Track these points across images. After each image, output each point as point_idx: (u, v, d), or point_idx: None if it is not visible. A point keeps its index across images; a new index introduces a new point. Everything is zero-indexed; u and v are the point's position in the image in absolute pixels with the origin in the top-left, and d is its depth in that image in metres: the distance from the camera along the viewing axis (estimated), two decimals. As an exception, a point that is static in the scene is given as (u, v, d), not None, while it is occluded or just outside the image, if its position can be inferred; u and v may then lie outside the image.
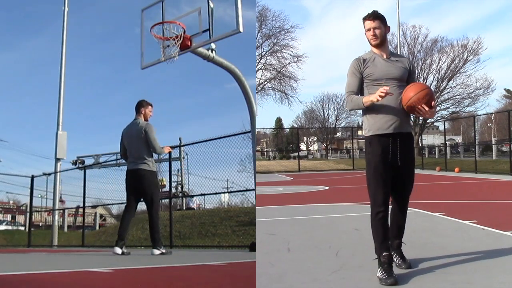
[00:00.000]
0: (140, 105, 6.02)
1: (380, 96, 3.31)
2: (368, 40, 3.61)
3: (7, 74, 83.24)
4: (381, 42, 3.58)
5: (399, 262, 3.68)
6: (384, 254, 3.39)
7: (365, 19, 3.59)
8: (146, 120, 6.01)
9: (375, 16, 3.56)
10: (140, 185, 5.81)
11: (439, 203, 8.47)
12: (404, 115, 3.53)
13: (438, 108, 43.11)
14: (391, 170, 3.48)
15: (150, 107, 6.08)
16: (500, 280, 3.27)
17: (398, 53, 31.62)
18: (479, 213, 6.95)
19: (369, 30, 3.57)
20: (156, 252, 5.69)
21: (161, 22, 8.28)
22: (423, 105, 3.39)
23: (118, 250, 5.64)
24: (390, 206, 3.64)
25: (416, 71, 3.45)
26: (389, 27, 3.63)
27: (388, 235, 3.49)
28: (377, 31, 3.55)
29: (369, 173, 3.51)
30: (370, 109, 3.51)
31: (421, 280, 3.34)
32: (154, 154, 5.99)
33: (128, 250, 5.89)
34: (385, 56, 3.60)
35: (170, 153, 9.71)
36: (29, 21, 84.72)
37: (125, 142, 6.00)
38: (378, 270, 3.37)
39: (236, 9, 7.42)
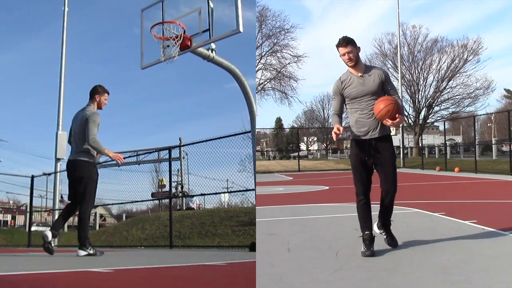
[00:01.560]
0: (95, 91, 5.49)
1: (333, 137, 4.06)
2: (345, 63, 4.20)
3: (7, 75, 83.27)
4: (355, 63, 4.18)
5: (388, 239, 4.35)
6: (366, 232, 4.17)
7: (338, 46, 4.15)
8: (100, 108, 5.52)
9: (346, 41, 4.13)
10: (76, 177, 5.36)
11: (439, 203, 8.47)
12: (378, 123, 4.16)
13: (438, 108, 43.32)
14: (368, 168, 4.21)
15: (106, 94, 5.55)
16: (500, 280, 3.27)
17: (398, 53, 31.86)
18: (479, 213, 6.94)
19: (344, 55, 4.15)
20: (82, 253, 5.21)
21: (161, 22, 8.29)
22: (387, 119, 4.02)
23: (49, 233, 5.18)
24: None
25: (391, 78, 4.57)
26: (359, 47, 4.19)
27: (369, 217, 4.23)
28: (351, 55, 4.14)
29: (352, 170, 4.31)
30: (351, 119, 4.27)
31: (421, 280, 3.34)
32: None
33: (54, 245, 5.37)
34: (359, 74, 4.20)
35: (169, 152, 9.73)
36: (29, 21, 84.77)
37: (72, 128, 5.56)
38: (362, 245, 4.14)
39: (236, 9, 7.42)
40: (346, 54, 4.13)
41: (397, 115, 4.01)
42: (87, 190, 5.32)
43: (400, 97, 4.54)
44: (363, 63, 4.28)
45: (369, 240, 4.15)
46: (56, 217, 5.49)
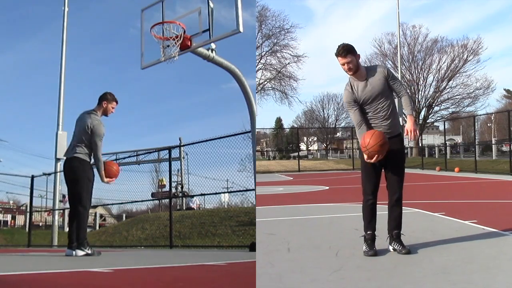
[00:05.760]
0: (104, 98, 5.45)
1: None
2: (345, 72, 4.16)
3: (7, 75, 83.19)
4: (355, 71, 4.13)
5: (400, 248, 4.15)
6: (368, 232, 4.18)
7: (337, 55, 4.10)
8: (105, 115, 5.49)
9: (346, 51, 4.05)
10: (72, 174, 5.36)
11: (439, 203, 8.47)
12: (391, 122, 4.19)
13: (438, 108, 43.30)
14: (379, 167, 4.17)
15: (114, 103, 5.52)
16: (500, 280, 3.27)
17: (398, 53, 31.81)
18: (479, 213, 6.94)
19: (343, 65, 4.10)
20: (80, 253, 5.21)
21: (161, 22, 8.28)
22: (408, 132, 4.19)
23: (79, 251, 5.21)
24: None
25: (397, 73, 4.34)
26: (359, 54, 4.14)
27: (374, 218, 4.20)
28: (351, 65, 4.08)
29: (361, 169, 4.30)
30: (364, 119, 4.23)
31: (421, 280, 3.34)
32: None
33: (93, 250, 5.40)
34: (363, 80, 4.16)
35: (169, 152, 9.73)
36: (29, 21, 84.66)
37: (74, 129, 5.53)
38: (363, 245, 4.16)
39: (236, 9, 7.42)
40: (346, 64, 4.08)
41: (410, 129, 4.14)
42: (84, 189, 5.34)
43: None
44: (363, 66, 4.21)
45: (371, 240, 4.15)
46: (68, 229, 5.50)
